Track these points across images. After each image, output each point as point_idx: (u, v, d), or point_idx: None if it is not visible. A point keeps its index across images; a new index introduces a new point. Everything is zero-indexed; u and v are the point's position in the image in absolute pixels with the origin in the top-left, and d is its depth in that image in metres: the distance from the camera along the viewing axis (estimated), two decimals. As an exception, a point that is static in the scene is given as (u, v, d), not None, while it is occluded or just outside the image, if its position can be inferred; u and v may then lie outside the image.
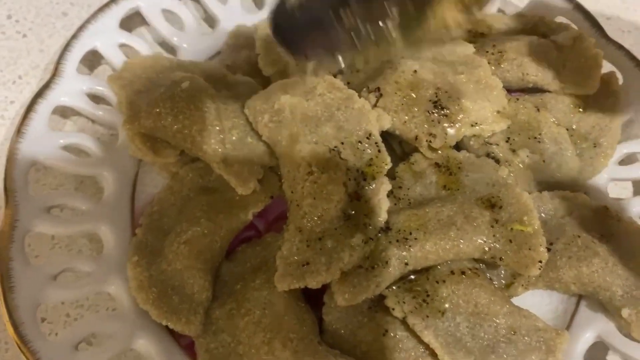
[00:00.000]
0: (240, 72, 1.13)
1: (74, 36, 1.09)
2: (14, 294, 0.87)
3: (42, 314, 0.99)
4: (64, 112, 1.14)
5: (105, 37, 1.11)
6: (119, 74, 1.05)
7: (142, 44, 1.14)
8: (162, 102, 0.99)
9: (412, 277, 0.94)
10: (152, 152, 1.02)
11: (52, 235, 1.06)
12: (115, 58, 1.11)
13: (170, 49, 1.19)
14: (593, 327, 0.96)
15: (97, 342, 0.96)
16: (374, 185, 0.94)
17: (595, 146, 1.07)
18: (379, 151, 0.96)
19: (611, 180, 1.10)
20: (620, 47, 1.15)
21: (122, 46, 1.13)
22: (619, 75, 1.14)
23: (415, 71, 1.03)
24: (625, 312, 0.93)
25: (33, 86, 1.20)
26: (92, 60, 1.19)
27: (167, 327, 0.91)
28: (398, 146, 1.08)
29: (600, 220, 0.99)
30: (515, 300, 0.97)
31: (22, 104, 1.18)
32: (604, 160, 1.06)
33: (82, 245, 1.05)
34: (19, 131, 0.98)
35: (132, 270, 0.92)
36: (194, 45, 1.18)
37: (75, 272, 0.96)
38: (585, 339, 0.96)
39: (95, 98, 1.09)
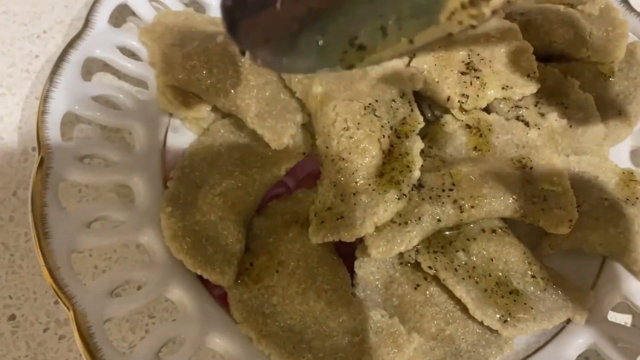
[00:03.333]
0: (271, 31, 1.13)
1: (105, -11, 1.08)
2: (49, 239, 0.87)
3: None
4: (89, 68, 1.13)
5: (137, -9, 1.11)
6: (151, 26, 1.05)
7: (173, 1, 1.13)
8: (197, 55, 0.99)
9: (445, 233, 0.95)
10: (184, 106, 1.02)
11: (79, 189, 1.06)
12: (146, 13, 1.10)
13: (199, 8, 1.18)
14: (617, 288, 0.98)
15: (130, 291, 0.97)
16: (407, 143, 0.95)
17: (620, 114, 1.09)
18: (412, 110, 0.97)
19: (633, 147, 1.11)
20: (644, 18, 1.16)
21: (152, 1, 1.12)
22: (643, 46, 1.15)
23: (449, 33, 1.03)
24: (650, 273, 0.95)
25: (58, 40, 1.19)
26: (118, 17, 1.18)
27: (200, 277, 0.91)
28: (427, 109, 1.09)
29: (626, 185, 1.01)
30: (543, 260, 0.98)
31: (48, 58, 1.17)
32: (629, 127, 1.08)
33: (110, 199, 1.05)
34: (52, 80, 0.97)
35: (166, 220, 0.92)
36: (223, 3, 1.17)
37: (108, 221, 0.96)
38: (609, 299, 0.98)
39: (125, 53, 1.08)
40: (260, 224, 0.99)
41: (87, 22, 1.04)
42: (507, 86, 1.02)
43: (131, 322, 0.97)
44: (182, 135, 1.06)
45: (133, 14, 1.12)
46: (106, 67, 1.10)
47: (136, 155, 1.01)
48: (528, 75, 1.03)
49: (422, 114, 1.02)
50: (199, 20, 1.06)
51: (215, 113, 1.05)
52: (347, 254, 0.96)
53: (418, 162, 0.93)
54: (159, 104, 1.03)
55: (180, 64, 0.99)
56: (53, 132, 0.95)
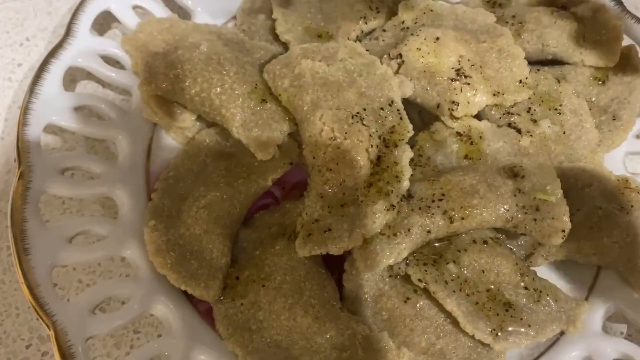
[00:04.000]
0: (257, 38, 1.11)
1: (87, -4, 1.05)
2: (29, 255, 0.85)
3: (53, 279, 0.96)
4: (73, 76, 1.11)
5: (120, -3, 1.08)
6: (134, 35, 1.03)
7: (157, 7, 1.11)
8: (180, 64, 0.97)
9: (435, 245, 0.93)
10: (168, 116, 1.00)
11: (63, 201, 1.03)
12: (130, 20, 1.08)
13: (184, 13, 1.16)
14: (612, 299, 0.96)
15: (113, 307, 0.95)
16: (396, 153, 0.92)
17: (614, 119, 1.06)
18: (401, 118, 0.95)
19: (628, 153, 1.09)
20: (639, 20, 1.13)
21: (137, 8, 1.10)
22: (638, 49, 1.12)
23: (437, 38, 1.01)
24: (645, 284, 0.92)
25: (41, 48, 1.17)
26: (102, 23, 1.16)
27: (185, 292, 0.89)
28: (417, 116, 1.07)
29: (621, 192, 0.99)
30: (535, 270, 0.96)
31: (30, 67, 1.15)
32: (623, 133, 1.06)
33: (94, 211, 1.03)
34: (32, 91, 0.95)
35: (150, 234, 0.91)
36: (209, 9, 1.15)
37: (90, 236, 0.94)
38: (604, 309, 0.96)
39: (108, 61, 1.06)
40: (246, 237, 0.97)
41: (68, 31, 1.02)
42: (499, 92, 1.00)
43: (116, 338, 0.95)
44: (167, 146, 1.04)
45: (118, 20, 1.10)
46: (91, 75, 1.08)
47: (120, 166, 0.99)
48: (520, 81, 1.01)
49: (412, 121, 1.00)
50: (183, 28, 1.04)
51: (200, 122, 1.03)
52: (335, 266, 0.94)
53: (407, 172, 0.90)
54: (143, 113, 1.01)
55: (163, 73, 0.97)
56: (34, 145, 0.93)
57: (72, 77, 1.12)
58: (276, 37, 1.09)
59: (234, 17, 1.16)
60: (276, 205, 1.01)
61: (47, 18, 1.20)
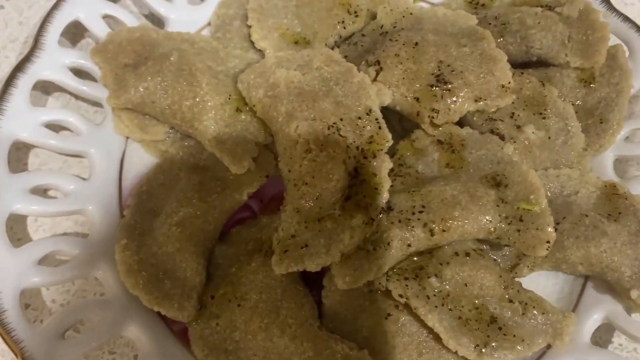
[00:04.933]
0: (232, 45, 1.07)
1: (55, 6, 1.02)
2: (-5, 279, 0.82)
3: (25, 300, 0.95)
4: (45, 87, 1.08)
5: (89, 7, 1.04)
6: (103, 46, 0.99)
7: (128, 16, 1.08)
8: (150, 75, 0.94)
9: (415, 258, 0.90)
10: (140, 129, 0.97)
11: (35, 218, 1.01)
12: (100, 30, 1.04)
13: (157, 20, 1.13)
14: (600, 309, 0.94)
15: (84, 329, 0.92)
16: (374, 164, 0.89)
17: (601, 122, 1.03)
18: (380, 127, 0.92)
19: (616, 157, 1.06)
20: (627, 19, 1.10)
21: (107, 17, 1.07)
22: (625, 49, 1.09)
23: (416, 43, 0.98)
24: (634, 294, 0.90)
25: (12, 60, 1.13)
26: (75, 32, 1.12)
27: (159, 312, 0.87)
28: (398, 123, 1.04)
29: (608, 199, 0.96)
30: (521, 281, 0.93)
31: (1, 79, 1.11)
32: (611, 137, 1.03)
33: (68, 227, 1.00)
34: (-2, 107, 0.92)
35: (121, 253, 0.88)
36: (183, 16, 1.11)
37: (61, 256, 0.91)
38: (592, 321, 0.93)
39: (79, 73, 1.03)
40: (222, 252, 0.94)
41: (36, 43, 0.99)
42: (480, 98, 0.96)
43: (91, 359, 0.93)
44: (140, 160, 1.01)
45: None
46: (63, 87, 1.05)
47: (91, 182, 0.96)
48: (502, 86, 0.97)
49: (392, 128, 0.97)
50: (155, 37, 1.01)
51: (174, 134, 1.00)
52: (313, 282, 0.91)
53: (386, 183, 0.88)
54: (114, 127, 0.98)
55: (133, 86, 0.94)
56: (0, 164, 0.90)
57: (45, 89, 1.09)
58: (252, 45, 1.06)
59: (209, 24, 1.12)
60: (254, 219, 0.98)
61: (19, 28, 1.17)
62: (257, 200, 1.00)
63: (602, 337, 0.98)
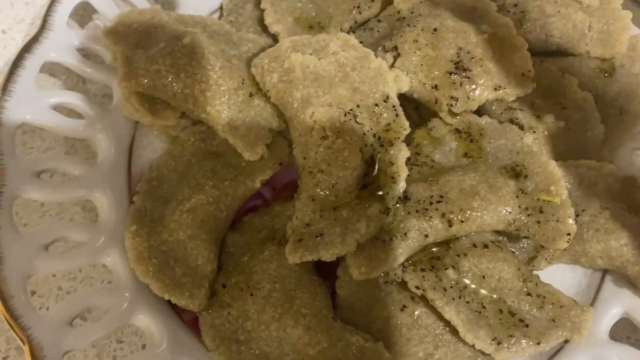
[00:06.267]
0: (245, 29, 1.05)
1: (65, -14, 0.99)
2: (2, 264, 0.80)
3: (31, 287, 0.93)
4: (52, 70, 1.06)
5: (100, -12, 1.02)
6: (114, 27, 0.96)
7: (139, -2, 1.05)
8: (162, 58, 0.91)
9: (432, 250, 0.88)
10: (150, 114, 0.94)
11: (41, 203, 0.98)
12: (110, 11, 1.02)
13: (168, 3, 1.10)
14: (619, 303, 0.92)
15: (92, 318, 0.90)
16: (391, 152, 0.87)
17: (621, 113, 1.01)
18: (397, 115, 0.90)
19: (636, 149, 1.04)
20: (648, 9, 1.08)
21: (117, -1, 1.04)
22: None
23: (435, 29, 0.95)
24: (654, 288, 0.88)
25: (18, 41, 1.11)
26: (83, 15, 1.10)
27: (169, 301, 0.84)
28: (414, 112, 1.01)
29: (628, 191, 0.94)
30: (538, 274, 0.91)
31: (7, 61, 1.09)
32: (632, 128, 1.01)
33: (75, 213, 0.98)
34: (5, 89, 0.90)
35: (131, 240, 0.86)
36: (194, -1, 1.09)
37: (68, 242, 0.89)
38: (610, 315, 0.91)
39: (88, 55, 1.00)
40: (234, 241, 0.92)
41: (44, 24, 0.96)
42: (500, 86, 0.94)
43: (98, 348, 0.91)
44: (150, 145, 0.99)
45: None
46: (71, 69, 1.02)
47: (99, 168, 0.94)
48: (522, 74, 0.95)
49: (409, 118, 0.94)
50: (166, 20, 0.98)
51: (185, 119, 0.97)
52: (328, 272, 0.89)
53: (403, 172, 0.85)
54: (124, 111, 0.95)
55: (144, 69, 0.91)
56: (7, 146, 0.88)
57: (51, 72, 1.06)
58: (265, 29, 1.03)
59: (221, 8, 1.10)
60: (266, 207, 0.96)
61: (25, 9, 1.14)
62: (269, 188, 0.98)
63: (620, 332, 0.96)
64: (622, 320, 0.93)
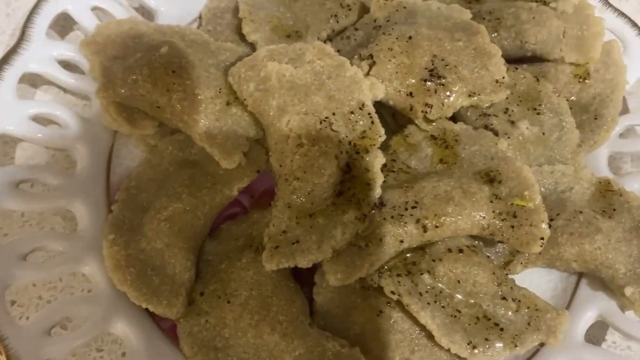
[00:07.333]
0: (223, 38, 1.06)
1: (43, -3, 1.00)
2: (-21, 275, 0.81)
3: (11, 296, 0.93)
4: (32, 80, 1.07)
5: (78, -1, 1.03)
6: (92, 38, 0.98)
7: (117, 8, 1.06)
8: (139, 68, 0.92)
9: (408, 255, 0.89)
10: (129, 123, 0.95)
11: (22, 213, 0.99)
12: (89, 22, 1.03)
13: (147, 13, 1.11)
14: (594, 306, 0.93)
15: (71, 326, 0.90)
16: (367, 159, 0.88)
17: (596, 118, 1.03)
18: (372, 122, 0.90)
19: (611, 153, 1.05)
20: (622, 14, 1.10)
21: (96, 9, 1.05)
22: (620, 45, 1.08)
23: (410, 37, 0.96)
24: (628, 291, 0.89)
25: (-1, 52, 1.11)
26: (64, 25, 1.11)
27: (147, 309, 0.85)
28: (391, 118, 1.02)
29: (603, 195, 0.95)
30: (514, 278, 0.92)
31: (-13, 72, 1.09)
32: (606, 133, 1.02)
33: (55, 222, 0.99)
34: (-16, 100, 0.91)
35: (109, 249, 0.86)
36: (173, 8, 1.10)
37: (47, 251, 0.90)
38: (586, 318, 0.92)
39: (67, 65, 1.01)
40: (212, 249, 0.93)
41: (23, 35, 0.97)
42: (474, 93, 0.95)
43: (77, 356, 0.91)
44: (129, 154, 1.00)
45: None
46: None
47: (78, 177, 0.94)
48: (497, 81, 0.96)
49: (385, 123, 0.95)
50: (144, 30, 0.99)
51: (164, 128, 0.98)
52: (305, 279, 0.90)
53: (379, 179, 0.86)
54: (102, 120, 0.96)
55: (121, 79, 0.92)
56: (-15, 157, 0.88)
57: (32, 83, 1.07)
58: (243, 38, 1.04)
59: (200, 17, 1.11)
60: (244, 215, 0.97)
61: (5, 20, 1.15)
62: (247, 195, 0.99)
63: (596, 334, 0.97)
64: (597, 323, 0.94)
